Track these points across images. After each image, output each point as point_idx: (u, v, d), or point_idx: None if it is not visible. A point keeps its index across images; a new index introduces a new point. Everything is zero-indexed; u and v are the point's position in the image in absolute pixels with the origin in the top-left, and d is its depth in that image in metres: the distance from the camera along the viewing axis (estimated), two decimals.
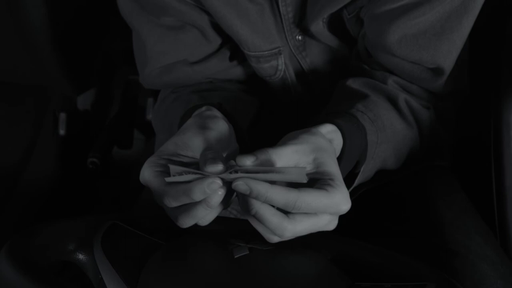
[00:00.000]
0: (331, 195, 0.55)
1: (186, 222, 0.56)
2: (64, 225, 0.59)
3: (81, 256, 0.57)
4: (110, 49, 1.34)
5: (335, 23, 0.78)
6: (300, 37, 0.81)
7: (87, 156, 1.27)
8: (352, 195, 0.60)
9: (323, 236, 0.58)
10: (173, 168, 0.55)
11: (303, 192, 0.54)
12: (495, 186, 0.85)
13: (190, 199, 0.54)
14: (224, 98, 0.76)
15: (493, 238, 0.79)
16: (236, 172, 0.54)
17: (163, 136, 0.82)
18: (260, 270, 0.55)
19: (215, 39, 0.82)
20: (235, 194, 0.57)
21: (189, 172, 0.55)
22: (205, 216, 0.56)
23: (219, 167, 0.55)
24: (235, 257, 0.56)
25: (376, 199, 0.81)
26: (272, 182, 0.54)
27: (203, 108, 0.70)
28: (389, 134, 0.73)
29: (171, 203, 0.55)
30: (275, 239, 0.55)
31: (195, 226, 0.56)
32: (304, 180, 0.54)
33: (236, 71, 0.85)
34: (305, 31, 0.79)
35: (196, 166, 0.57)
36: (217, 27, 0.80)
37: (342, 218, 0.57)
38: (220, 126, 0.65)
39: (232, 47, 0.84)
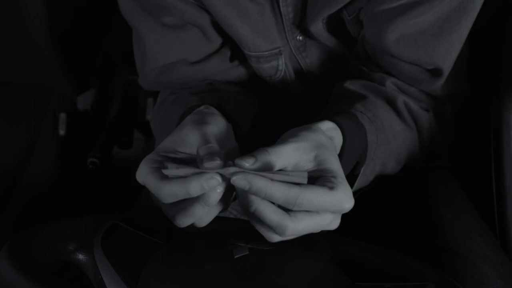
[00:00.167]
0: (333, 193, 0.53)
1: (184, 221, 0.54)
2: (64, 225, 0.59)
3: (81, 256, 0.57)
4: (110, 49, 1.34)
5: (335, 24, 0.78)
6: (300, 38, 0.80)
7: (87, 156, 1.27)
8: None
9: (323, 236, 0.58)
10: (171, 166, 0.55)
11: (304, 189, 0.52)
12: (495, 186, 0.85)
13: (187, 194, 0.53)
14: (223, 99, 0.75)
15: (493, 238, 0.79)
16: None
17: (162, 138, 0.82)
18: (260, 270, 0.55)
19: (215, 38, 0.81)
20: (234, 194, 0.56)
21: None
22: (203, 215, 0.55)
23: (217, 162, 0.53)
24: (235, 257, 0.56)
25: (376, 199, 0.81)
26: None
27: (202, 107, 0.69)
28: (389, 135, 0.73)
29: (167, 198, 0.54)
30: (275, 238, 0.54)
31: (195, 226, 0.56)
32: (305, 180, 0.53)
33: (236, 72, 0.85)
34: (306, 31, 0.79)
35: (195, 163, 0.56)
36: (218, 27, 0.80)
37: (342, 218, 0.57)
38: (218, 122, 0.64)
39: (232, 47, 0.84)
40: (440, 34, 0.71)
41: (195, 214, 0.54)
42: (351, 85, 0.77)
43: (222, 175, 0.53)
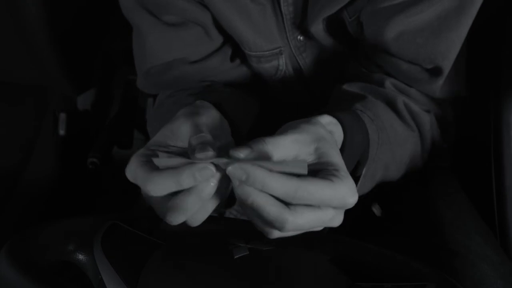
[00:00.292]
0: (336, 186, 0.50)
1: (175, 217, 0.51)
2: (64, 225, 0.59)
3: (81, 256, 0.57)
4: (110, 49, 1.34)
5: (336, 26, 0.78)
6: (301, 38, 0.80)
7: (87, 156, 1.27)
8: None
9: (323, 236, 0.58)
10: (162, 155, 0.52)
11: (305, 181, 0.49)
12: (495, 186, 0.86)
13: (178, 186, 0.50)
14: (223, 99, 0.75)
15: (493, 238, 0.79)
16: None
17: None
18: (260, 270, 0.55)
19: (217, 37, 0.81)
20: (230, 185, 0.53)
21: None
22: (195, 211, 0.52)
23: (209, 153, 0.50)
24: (235, 257, 0.56)
25: (376, 199, 0.81)
26: None
27: (196, 102, 0.67)
28: (390, 135, 0.72)
29: (157, 191, 0.51)
30: (275, 233, 0.51)
31: (188, 226, 0.55)
32: (304, 171, 0.50)
33: (235, 72, 0.85)
34: (306, 32, 0.79)
35: (187, 156, 0.53)
36: (219, 25, 0.79)
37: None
38: (211, 113, 0.61)
39: (232, 47, 0.84)
40: (439, 32, 0.71)
41: (187, 209, 0.50)
42: (350, 87, 0.76)
43: (216, 166, 0.50)
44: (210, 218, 0.55)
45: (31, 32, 1.11)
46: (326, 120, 0.61)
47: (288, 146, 0.53)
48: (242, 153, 0.51)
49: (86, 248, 0.57)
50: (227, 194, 0.54)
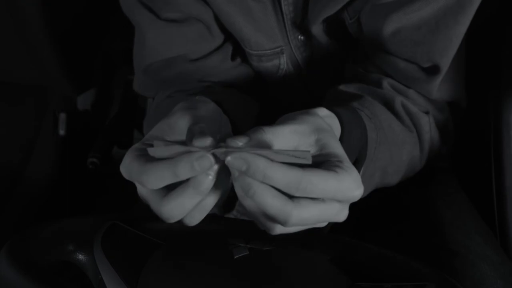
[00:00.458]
0: (340, 177, 0.48)
1: (171, 213, 0.49)
2: (64, 225, 0.59)
3: (81, 256, 0.57)
4: (110, 49, 1.34)
5: (336, 26, 0.78)
6: (302, 37, 0.80)
7: (87, 156, 1.27)
8: None
9: (323, 236, 0.58)
10: (157, 143, 0.50)
11: (308, 172, 0.47)
12: (495, 186, 0.86)
13: (175, 176, 0.47)
14: (224, 100, 0.75)
15: (493, 238, 0.79)
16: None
17: None
18: (260, 270, 0.55)
19: (218, 35, 0.80)
20: (229, 185, 0.51)
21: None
22: (193, 210, 0.50)
23: (208, 140, 0.48)
24: (235, 257, 0.56)
25: (375, 199, 0.81)
26: None
27: (196, 97, 0.65)
28: (388, 135, 0.71)
29: (153, 182, 0.48)
30: (278, 229, 0.49)
31: (195, 226, 0.55)
32: (309, 160, 0.47)
33: (236, 72, 0.85)
34: (307, 31, 0.79)
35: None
36: (221, 23, 0.79)
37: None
38: (210, 107, 0.59)
39: (233, 46, 0.83)
40: (437, 30, 0.70)
41: (184, 204, 0.49)
42: (347, 88, 0.76)
43: (215, 156, 0.47)
44: (210, 218, 0.55)
45: (31, 32, 1.11)
46: (324, 113, 0.59)
47: (288, 136, 0.51)
48: (240, 141, 0.49)
49: (86, 248, 0.57)
50: (225, 193, 0.52)
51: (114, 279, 0.53)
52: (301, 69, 0.84)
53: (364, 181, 0.63)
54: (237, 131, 0.67)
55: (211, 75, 0.83)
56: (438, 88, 0.77)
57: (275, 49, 0.81)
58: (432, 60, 0.73)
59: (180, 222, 0.53)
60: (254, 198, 0.47)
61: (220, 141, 0.50)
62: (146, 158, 0.50)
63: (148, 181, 0.49)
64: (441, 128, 0.81)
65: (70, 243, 0.57)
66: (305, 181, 0.46)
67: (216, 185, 0.49)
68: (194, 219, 0.52)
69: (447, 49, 0.73)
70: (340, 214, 0.50)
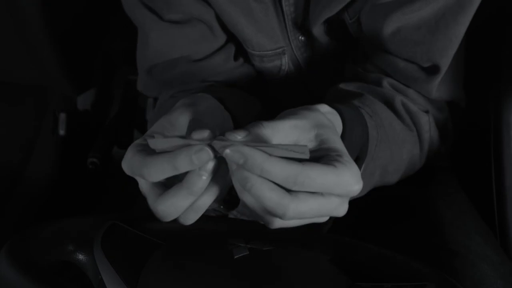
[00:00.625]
0: (339, 172, 0.48)
1: (165, 212, 0.50)
2: (64, 225, 0.59)
3: (81, 256, 0.57)
4: (110, 49, 1.34)
5: (337, 26, 0.78)
6: (303, 38, 0.80)
7: (87, 156, 1.27)
8: None
9: (323, 236, 0.58)
10: (157, 136, 0.51)
11: (306, 166, 0.47)
12: (495, 186, 0.86)
13: (174, 169, 0.48)
14: (224, 97, 0.75)
15: (493, 238, 0.79)
16: None
17: None
18: (260, 270, 0.55)
19: (220, 35, 0.80)
20: (228, 185, 0.51)
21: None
22: (187, 210, 0.50)
23: (206, 133, 0.49)
24: (235, 257, 0.56)
25: (375, 199, 0.81)
26: None
27: (197, 94, 0.65)
28: (389, 133, 0.71)
29: (153, 175, 0.49)
30: (276, 222, 0.50)
31: (194, 226, 0.55)
32: (306, 155, 0.47)
33: (238, 72, 0.85)
34: (308, 32, 0.79)
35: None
36: (223, 24, 0.79)
37: (342, 217, 0.54)
38: (211, 103, 0.60)
39: (236, 46, 0.83)
40: (436, 29, 0.70)
41: (178, 205, 0.49)
42: (347, 86, 0.76)
43: (213, 150, 0.48)
44: (209, 218, 0.55)
45: (31, 32, 1.11)
46: (325, 109, 0.59)
47: (287, 131, 0.51)
48: (239, 135, 0.49)
49: (86, 248, 0.57)
50: (226, 189, 0.52)
51: (114, 279, 0.53)
52: (302, 69, 0.84)
53: (364, 179, 0.64)
54: (234, 120, 0.67)
55: (214, 75, 0.83)
56: (438, 87, 0.77)
57: (277, 49, 0.81)
58: (431, 60, 0.73)
59: (176, 221, 0.53)
60: (251, 191, 0.47)
61: (220, 136, 0.51)
62: (147, 152, 0.51)
63: (149, 174, 0.50)
64: (440, 127, 0.81)
65: (70, 243, 0.57)
66: (303, 175, 0.47)
67: (213, 183, 0.50)
68: (189, 219, 0.52)
69: (447, 49, 0.73)
70: (340, 208, 0.50)
